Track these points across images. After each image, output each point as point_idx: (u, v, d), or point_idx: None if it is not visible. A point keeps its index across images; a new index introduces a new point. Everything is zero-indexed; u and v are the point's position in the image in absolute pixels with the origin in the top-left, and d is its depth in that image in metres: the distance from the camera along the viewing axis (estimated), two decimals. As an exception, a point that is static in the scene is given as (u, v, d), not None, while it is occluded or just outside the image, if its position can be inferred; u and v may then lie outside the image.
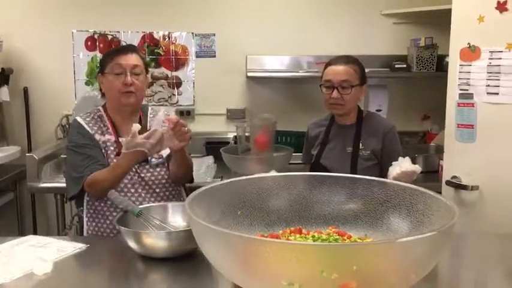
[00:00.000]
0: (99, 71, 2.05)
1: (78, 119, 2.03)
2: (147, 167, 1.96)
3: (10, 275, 1.36)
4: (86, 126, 1.98)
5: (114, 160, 1.92)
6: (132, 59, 1.98)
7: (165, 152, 1.96)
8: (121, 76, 1.94)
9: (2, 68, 3.06)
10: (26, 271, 1.38)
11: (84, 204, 1.96)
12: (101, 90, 2.08)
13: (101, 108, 2.07)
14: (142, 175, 1.94)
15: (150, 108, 2.15)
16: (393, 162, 1.91)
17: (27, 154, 2.79)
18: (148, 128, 1.89)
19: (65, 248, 1.55)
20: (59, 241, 1.62)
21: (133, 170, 1.93)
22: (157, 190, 1.95)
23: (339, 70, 2.15)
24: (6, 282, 1.32)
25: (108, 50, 2.26)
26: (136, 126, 1.76)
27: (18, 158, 3.12)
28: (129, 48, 2.05)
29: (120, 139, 1.97)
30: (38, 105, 3.36)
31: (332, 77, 2.15)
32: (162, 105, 3.40)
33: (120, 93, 1.95)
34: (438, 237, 1.02)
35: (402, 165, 1.86)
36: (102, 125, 2.00)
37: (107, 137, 1.98)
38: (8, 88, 3.11)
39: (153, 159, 1.96)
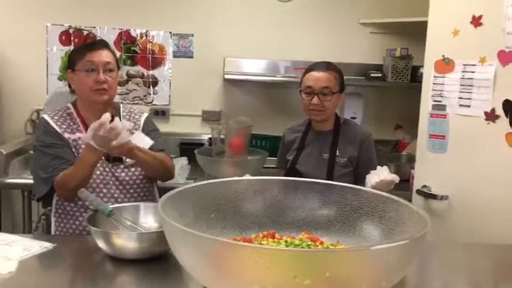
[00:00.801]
0: (67, 67, 1.99)
1: (46, 117, 1.96)
2: (122, 166, 1.92)
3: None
4: (53, 124, 1.92)
5: None
6: (104, 55, 1.92)
7: None
8: (93, 73, 1.89)
9: (-28, 59, 2.97)
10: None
11: (53, 204, 1.91)
12: (70, 86, 2.02)
13: (70, 105, 2.00)
14: (117, 174, 1.91)
15: (121, 106, 2.10)
16: (371, 171, 1.92)
17: (-2, 149, 2.71)
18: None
19: (31, 246, 1.50)
20: (25, 239, 1.57)
21: (107, 169, 1.89)
22: (131, 190, 1.92)
23: (320, 76, 2.16)
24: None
25: (77, 46, 2.17)
26: (106, 116, 1.69)
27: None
28: (101, 44, 1.98)
29: None
30: (8, 98, 3.26)
31: (313, 83, 2.15)
32: (136, 103, 3.35)
33: (92, 91, 1.90)
34: (410, 246, 1.03)
35: (381, 174, 1.87)
36: (71, 123, 1.95)
37: (77, 134, 1.92)
38: (-24, 80, 3.01)
39: (128, 160, 1.92)
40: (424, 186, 2.26)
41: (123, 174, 1.92)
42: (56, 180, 1.81)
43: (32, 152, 2.73)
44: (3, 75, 3.25)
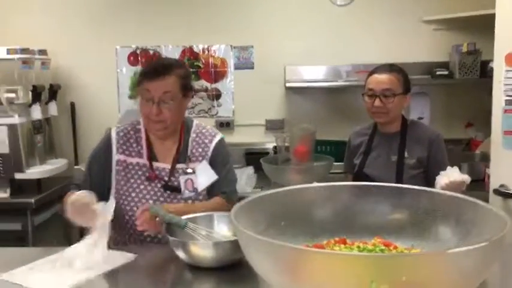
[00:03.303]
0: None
1: (113, 132, 1.94)
2: (179, 196, 1.86)
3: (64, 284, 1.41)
4: (114, 143, 1.89)
5: (135, 184, 1.85)
6: (163, 84, 1.79)
7: (201, 186, 1.86)
8: (149, 103, 1.81)
9: (51, 84, 3.19)
10: (80, 280, 1.43)
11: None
12: None
13: (141, 120, 1.93)
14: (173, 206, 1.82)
15: (194, 124, 1.98)
16: (441, 172, 1.86)
17: (74, 167, 2.88)
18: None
19: (114, 258, 1.59)
20: (107, 251, 1.67)
21: (162, 199, 1.85)
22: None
23: (381, 79, 2.13)
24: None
25: (146, 64, 2.10)
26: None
27: (66, 170, 3.23)
28: (163, 71, 1.81)
29: (154, 164, 1.87)
30: (84, 119, 3.48)
31: (374, 85, 2.14)
32: (202, 116, 3.45)
33: (148, 119, 1.84)
34: (489, 248, 1.00)
35: (451, 175, 1.81)
36: (135, 144, 1.90)
37: (136, 159, 1.88)
38: (56, 103, 3.23)
39: (186, 192, 1.86)
40: (502, 185, 2.16)
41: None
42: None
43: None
44: (78, 98, 3.48)
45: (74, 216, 1.64)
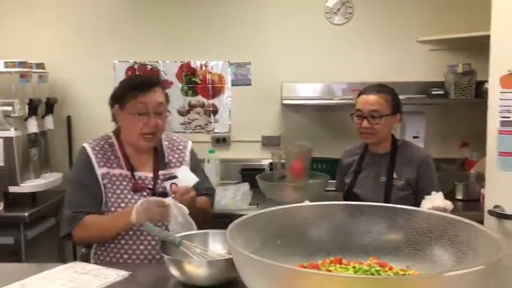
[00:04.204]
0: (115, 101, 1.92)
1: (86, 146, 1.92)
2: None
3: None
4: (93, 157, 1.89)
5: (123, 195, 1.87)
6: (157, 96, 1.86)
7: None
8: (144, 117, 1.84)
9: (47, 98, 3.19)
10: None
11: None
12: (113, 118, 1.99)
13: (112, 135, 1.97)
14: None
15: (163, 136, 2.04)
16: (426, 196, 1.89)
17: (68, 181, 2.87)
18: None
19: (108, 275, 1.58)
20: (100, 268, 1.66)
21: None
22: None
23: (369, 100, 2.16)
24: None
25: (129, 80, 2.05)
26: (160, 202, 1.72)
27: (61, 184, 3.21)
28: (153, 82, 1.89)
29: (136, 174, 1.90)
30: (80, 133, 3.47)
31: (362, 106, 2.16)
32: (198, 132, 3.46)
33: (140, 136, 1.86)
34: (486, 271, 1.00)
35: (434, 201, 1.83)
36: (112, 156, 1.91)
37: (118, 170, 1.90)
38: (52, 117, 3.23)
39: (173, 195, 1.86)
40: (497, 206, 2.16)
41: None
42: (82, 221, 1.82)
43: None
44: (75, 112, 3.48)
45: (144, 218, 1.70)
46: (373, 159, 2.25)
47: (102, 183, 1.89)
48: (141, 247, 1.85)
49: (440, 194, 1.87)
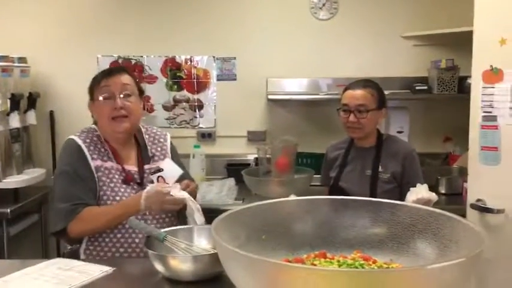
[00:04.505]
0: (90, 97, 1.93)
1: (76, 139, 1.87)
2: None
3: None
4: (85, 150, 1.85)
5: (116, 188, 1.86)
6: (122, 78, 1.87)
7: (171, 181, 1.85)
8: (110, 100, 1.84)
9: (30, 93, 3.15)
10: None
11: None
12: (92, 117, 1.99)
13: (95, 127, 1.95)
14: None
15: (142, 128, 2.04)
16: (411, 188, 1.91)
17: (52, 177, 2.84)
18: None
19: (92, 271, 1.57)
20: (85, 264, 1.64)
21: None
22: (163, 215, 1.91)
23: (355, 94, 2.17)
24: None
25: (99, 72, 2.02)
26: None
27: (44, 180, 3.18)
28: (118, 70, 1.94)
29: (125, 167, 1.91)
30: (63, 128, 3.43)
31: (349, 101, 2.18)
32: (183, 127, 3.44)
33: (111, 120, 1.84)
34: (467, 264, 1.01)
35: (418, 192, 1.86)
36: (102, 149, 1.89)
37: (109, 163, 1.89)
38: (35, 112, 3.18)
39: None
40: (479, 200, 2.19)
41: None
42: (82, 213, 1.78)
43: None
44: (58, 106, 3.44)
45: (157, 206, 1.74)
46: (359, 153, 2.26)
47: (96, 176, 1.87)
48: (136, 240, 1.84)
49: (425, 185, 1.89)
